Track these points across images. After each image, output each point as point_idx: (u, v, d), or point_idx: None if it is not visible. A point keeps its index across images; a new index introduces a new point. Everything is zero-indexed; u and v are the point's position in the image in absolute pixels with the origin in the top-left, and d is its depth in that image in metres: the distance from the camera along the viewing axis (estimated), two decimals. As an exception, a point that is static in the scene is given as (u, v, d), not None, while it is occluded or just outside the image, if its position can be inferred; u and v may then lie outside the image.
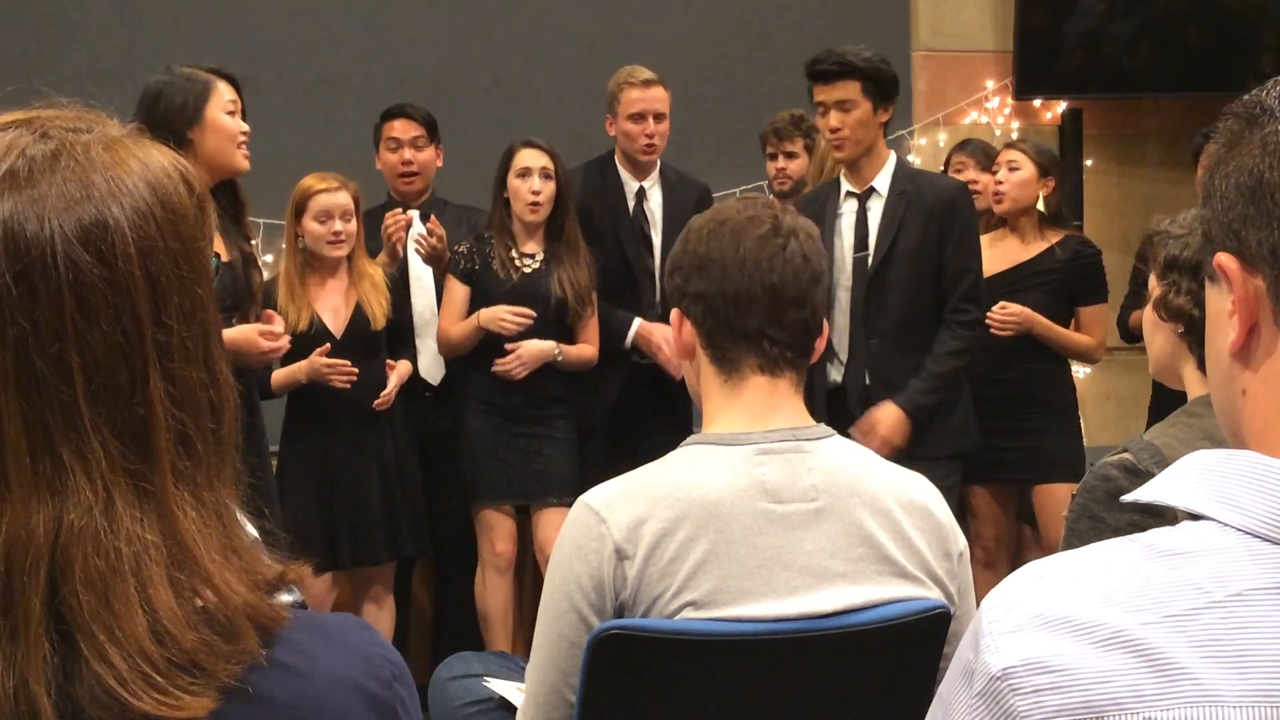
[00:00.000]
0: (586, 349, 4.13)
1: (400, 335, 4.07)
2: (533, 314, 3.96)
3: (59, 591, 0.84)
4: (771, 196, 4.28)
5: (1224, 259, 0.91)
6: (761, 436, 1.84)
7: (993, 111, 5.96)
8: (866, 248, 3.71)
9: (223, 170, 3.21)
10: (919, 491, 1.92)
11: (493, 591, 4.05)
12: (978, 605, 0.91)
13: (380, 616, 3.96)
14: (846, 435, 2.00)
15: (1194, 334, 1.97)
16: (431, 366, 4.26)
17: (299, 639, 0.92)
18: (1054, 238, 4.27)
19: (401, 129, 4.32)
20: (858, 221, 3.74)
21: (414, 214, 4.25)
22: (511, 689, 2.29)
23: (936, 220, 3.68)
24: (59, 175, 0.89)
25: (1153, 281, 2.06)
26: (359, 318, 3.89)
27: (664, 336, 4.13)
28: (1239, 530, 0.85)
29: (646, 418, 4.24)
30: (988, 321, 4.02)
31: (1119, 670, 0.82)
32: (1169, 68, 5.85)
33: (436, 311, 4.22)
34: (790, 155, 4.64)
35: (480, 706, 2.33)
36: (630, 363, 4.27)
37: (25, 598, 0.84)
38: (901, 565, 1.84)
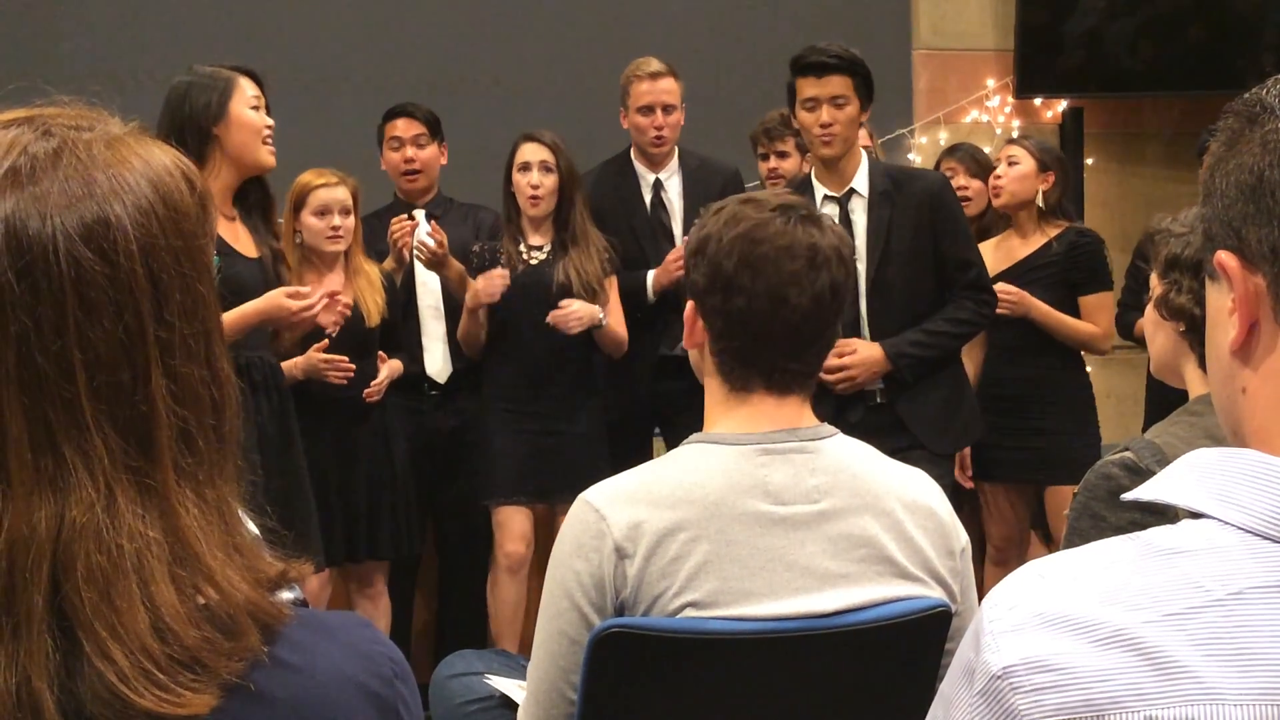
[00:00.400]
0: (619, 329, 4.11)
1: (393, 335, 4.06)
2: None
3: (61, 588, 0.84)
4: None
5: (1224, 257, 0.91)
6: (764, 436, 1.83)
7: (993, 110, 5.96)
8: (855, 252, 3.68)
9: (249, 165, 3.24)
10: (921, 490, 1.91)
11: (502, 591, 4.04)
12: (979, 602, 0.91)
13: (375, 615, 3.96)
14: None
15: (1195, 332, 1.97)
16: (438, 365, 4.26)
17: (300, 637, 0.92)
18: (1052, 232, 4.28)
19: (403, 128, 4.33)
20: (841, 225, 3.67)
21: (420, 214, 4.25)
22: (513, 686, 2.29)
23: (927, 215, 3.63)
24: (61, 173, 0.89)
25: (1154, 280, 2.06)
26: (354, 314, 3.88)
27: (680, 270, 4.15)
28: (1239, 528, 0.85)
29: (676, 413, 4.18)
30: (1003, 293, 4.00)
31: (1120, 669, 0.82)
32: (1170, 66, 5.86)
33: (443, 311, 4.22)
34: (782, 155, 4.62)
35: (481, 704, 2.33)
36: (659, 355, 4.26)
37: (28, 594, 0.84)
38: (903, 566, 1.84)
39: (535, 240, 4.08)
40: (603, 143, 4.47)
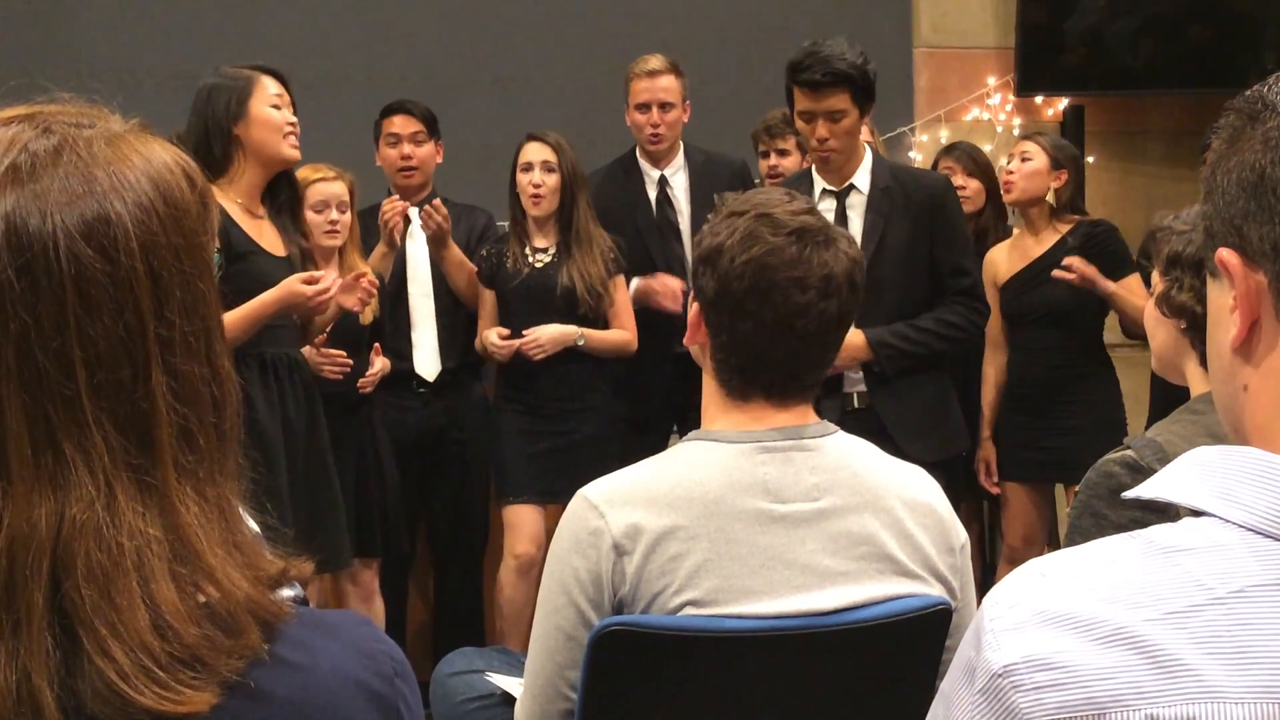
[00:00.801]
0: (617, 334, 4.10)
1: (379, 335, 4.05)
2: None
3: (61, 586, 0.84)
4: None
5: (1225, 255, 0.91)
6: (764, 434, 1.83)
7: (994, 108, 5.96)
8: None
9: (272, 161, 3.27)
10: (921, 488, 1.92)
11: (511, 591, 4.04)
12: (979, 600, 0.91)
13: (368, 615, 3.94)
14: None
15: (1197, 330, 1.97)
16: (428, 362, 4.25)
17: (301, 635, 0.92)
18: (1065, 228, 4.25)
19: (400, 124, 4.32)
20: (837, 221, 3.58)
21: (413, 211, 4.24)
22: (514, 684, 2.29)
23: (926, 217, 3.56)
24: (61, 170, 0.89)
25: (1155, 277, 2.06)
26: (347, 311, 3.88)
27: (663, 284, 4.15)
28: (1240, 526, 0.85)
29: (694, 409, 4.17)
30: (1065, 265, 3.99)
31: (1121, 667, 0.82)
32: (1171, 64, 5.85)
33: (434, 308, 4.22)
34: (782, 153, 4.61)
35: (482, 702, 2.33)
36: (673, 353, 4.26)
37: (28, 592, 0.84)
38: (903, 564, 1.84)
39: (540, 242, 4.08)
40: (601, 142, 4.47)
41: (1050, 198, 4.27)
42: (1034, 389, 4.20)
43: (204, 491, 0.91)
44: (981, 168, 4.64)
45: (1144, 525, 0.91)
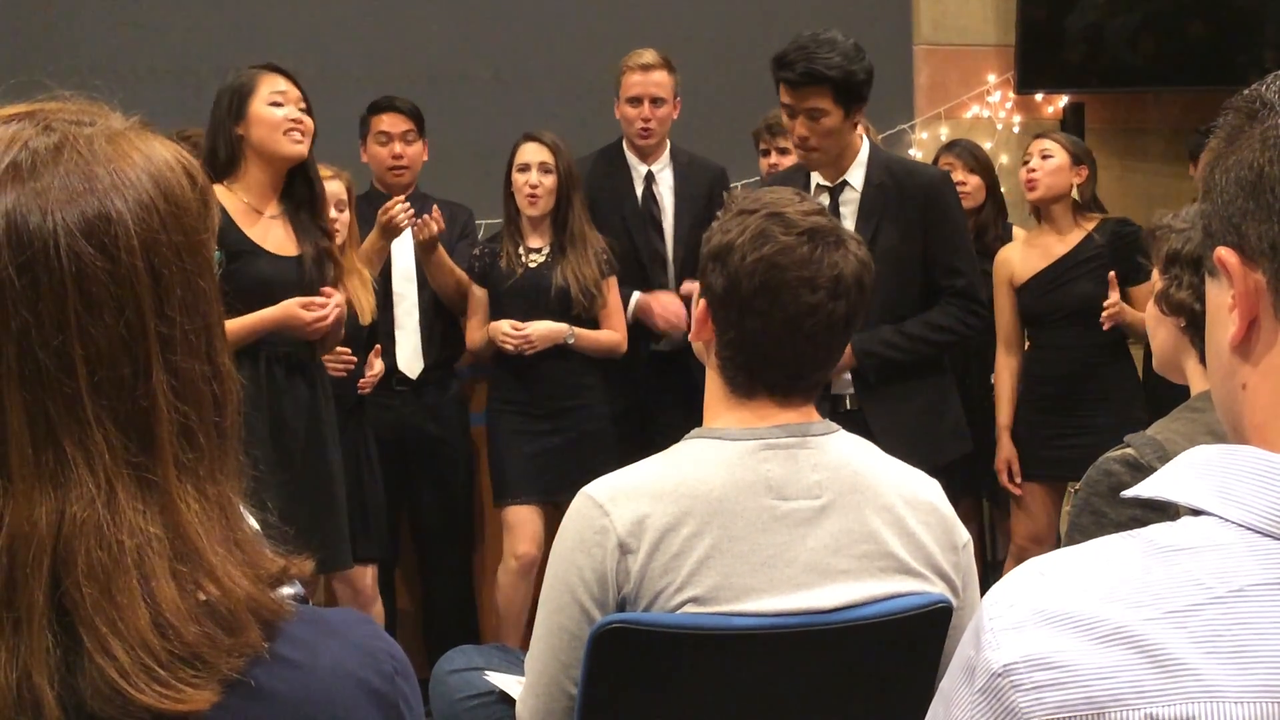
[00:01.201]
0: (607, 335, 4.12)
1: (374, 336, 4.04)
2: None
3: (62, 584, 0.84)
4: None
5: (1224, 253, 0.91)
6: (767, 431, 1.83)
7: (994, 106, 5.95)
8: None
9: (274, 158, 3.27)
10: (922, 487, 1.92)
11: (511, 592, 4.04)
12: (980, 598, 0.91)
13: (370, 614, 3.94)
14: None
15: (1196, 328, 1.97)
16: (410, 360, 4.25)
17: (301, 633, 0.92)
18: (1089, 224, 4.21)
19: (390, 123, 4.32)
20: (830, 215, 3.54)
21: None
22: (512, 682, 2.29)
23: (920, 214, 3.46)
24: (62, 168, 0.89)
25: (1155, 276, 2.06)
26: (348, 312, 3.87)
27: (662, 306, 4.15)
28: (1239, 525, 0.85)
29: (672, 408, 4.15)
30: (1106, 313, 3.90)
31: (1120, 666, 0.82)
32: (1171, 62, 5.85)
33: (417, 305, 4.22)
34: (783, 151, 4.60)
35: (481, 700, 2.33)
36: (652, 352, 4.26)
37: (28, 590, 0.84)
38: (905, 561, 1.84)
39: (534, 242, 4.09)
40: (598, 140, 4.46)
41: (1074, 194, 4.23)
42: (1058, 387, 4.15)
43: (204, 489, 0.91)
44: (982, 164, 4.63)
45: (1144, 523, 0.91)
